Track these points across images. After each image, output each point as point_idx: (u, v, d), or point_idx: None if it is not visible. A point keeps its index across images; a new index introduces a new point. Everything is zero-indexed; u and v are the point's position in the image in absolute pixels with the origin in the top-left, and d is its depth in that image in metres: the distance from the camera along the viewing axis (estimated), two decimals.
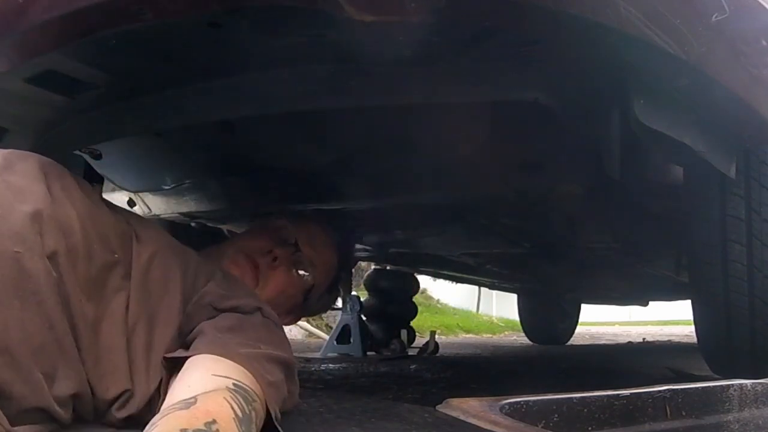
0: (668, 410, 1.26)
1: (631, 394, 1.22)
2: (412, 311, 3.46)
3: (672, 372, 2.15)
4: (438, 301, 8.35)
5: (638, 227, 2.02)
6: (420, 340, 3.44)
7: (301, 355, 2.82)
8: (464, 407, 1.00)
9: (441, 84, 1.05)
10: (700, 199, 1.54)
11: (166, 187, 1.65)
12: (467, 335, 6.51)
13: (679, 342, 5.02)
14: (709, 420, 1.34)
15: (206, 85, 1.13)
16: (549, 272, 3.05)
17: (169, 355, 0.83)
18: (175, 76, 1.12)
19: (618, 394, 1.21)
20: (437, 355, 3.14)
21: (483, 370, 2.57)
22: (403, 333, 3.23)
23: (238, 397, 0.72)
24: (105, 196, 1.76)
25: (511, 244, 2.28)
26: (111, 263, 0.85)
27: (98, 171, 1.66)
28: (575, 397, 1.15)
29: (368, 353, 2.96)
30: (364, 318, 3.11)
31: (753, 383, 1.49)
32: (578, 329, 5.13)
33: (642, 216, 1.85)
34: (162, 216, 1.79)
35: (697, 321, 1.67)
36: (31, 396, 0.72)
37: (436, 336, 3.31)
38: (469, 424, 0.94)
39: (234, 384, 0.74)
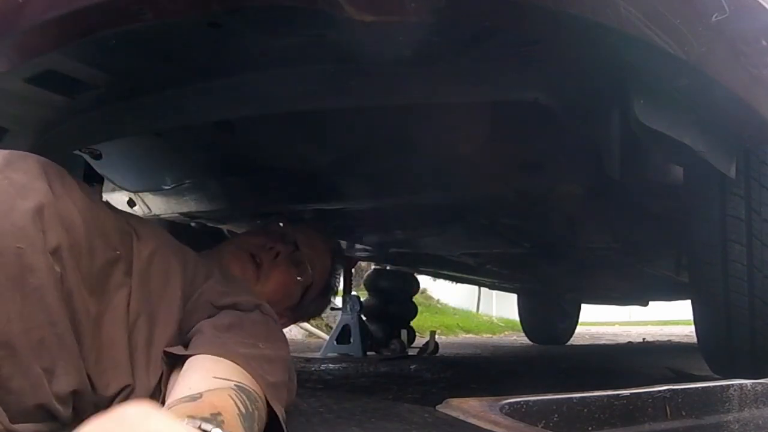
0: (668, 410, 1.26)
1: (631, 394, 1.22)
2: (412, 311, 3.46)
3: (672, 372, 2.15)
4: (438, 301, 8.35)
5: (638, 227, 2.02)
6: (420, 340, 3.44)
7: (301, 355, 2.82)
8: (464, 407, 1.00)
9: (441, 84, 1.05)
10: (700, 199, 1.54)
11: (166, 187, 1.65)
12: (467, 335, 6.51)
13: (679, 342, 5.02)
14: (709, 420, 1.34)
15: (206, 85, 1.13)
16: (549, 272, 3.05)
17: (168, 350, 0.83)
18: (175, 76, 1.12)
19: (618, 394, 1.21)
20: (437, 355, 3.14)
21: (483, 370, 2.57)
22: (403, 333, 3.23)
23: (242, 396, 0.73)
24: (105, 196, 1.76)
25: (511, 244, 2.28)
26: (113, 260, 0.85)
27: (98, 171, 1.66)
28: (575, 397, 1.15)
29: (368, 353, 2.96)
30: (364, 318, 3.11)
31: (753, 383, 1.49)
32: (578, 329, 5.13)
33: (642, 216, 1.85)
34: (162, 216, 1.79)
35: (697, 321, 1.67)
36: (30, 391, 0.72)
37: (436, 336, 3.31)
38: (469, 424, 0.94)
39: (236, 385, 0.74)
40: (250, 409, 0.72)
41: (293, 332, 4.39)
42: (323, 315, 4.81)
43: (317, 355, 2.94)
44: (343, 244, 2.35)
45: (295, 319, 1.35)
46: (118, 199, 1.75)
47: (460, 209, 1.88)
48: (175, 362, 0.82)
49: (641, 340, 5.47)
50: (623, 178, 1.18)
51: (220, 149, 1.49)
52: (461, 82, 1.05)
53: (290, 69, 1.06)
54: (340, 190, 1.60)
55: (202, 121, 1.23)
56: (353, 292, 3.29)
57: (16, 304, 0.72)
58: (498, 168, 1.47)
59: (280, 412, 0.79)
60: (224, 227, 2.07)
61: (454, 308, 8.46)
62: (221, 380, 0.75)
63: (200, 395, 0.69)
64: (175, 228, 1.91)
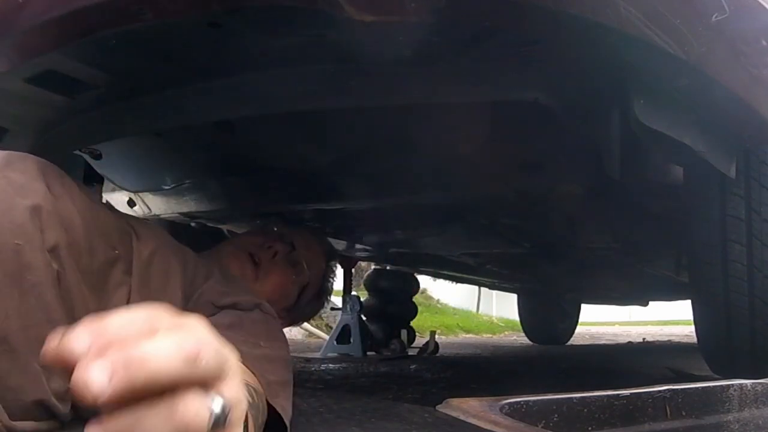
0: (668, 410, 1.26)
1: (631, 394, 1.22)
2: (412, 311, 3.46)
3: (672, 372, 2.15)
4: (438, 301, 8.35)
5: (638, 227, 2.02)
6: (420, 340, 3.44)
7: (301, 355, 2.82)
8: (464, 407, 1.00)
9: (441, 84, 1.05)
10: (700, 199, 1.54)
11: (166, 187, 1.65)
12: (467, 335, 6.51)
13: (679, 342, 5.02)
14: (709, 420, 1.34)
15: (206, 85, 1.13)
16: (549, 272, 3.05)
17: None
18: (175, 76, 1.12)
19: (618, 394, 1.21)
20: (437, 355, 3.14)
21: (483, 370, 2.57)
22: (403, 333, 3.23)
23: (249, 388, 0.73)
24: (105, 196, 1.76)
25: (511, 244, 2.28)
26: (112, 258, 0.86)
27: (98, 171, 1.66)
28: (575, 397, 1.15)
29: (368, 353, 2.96)
30: (364, 318, 3.11)
31: (753, 383, 1.49)
32: (578, 329, 5.13)
33: (642, 216, 1.85)
34: (162, 216, 1.79)
35: (697, 321, 1.67)
36: (28, 388, 0.72)
37: (436, 336, 3.31)
38: (469, 424, 0.94)
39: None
40: (255, 401, 0.73)
41: (293, 332, 4.39)
42: (323, 315, 4.82)
43: (317, 355, 2.94)
44: (343, 244, 2.35)
45: (291, 321, 1.36)
46: (118, 199, 1.75)
47: (460, 209, 1.88)
48: None
49: (641, 340, 5.47)
50: (623, 178, 1.18)
51: (220, 149, 1.49)
52: (461, 82, 1.05)
53: (290, 69, 1.06)
54: (340, 190, 1.60)
55: (202, 121, 1.24)
56: (353, 292, 3.29)
57: (14, 301, 0.73)
58: (498, 168, 1.47)
59: (282, 409, 0.79)
60: (224, 227, 2.07)
61: (454, 308, 8.46)
62: None
63: None
64: (175, 228, 1.91)
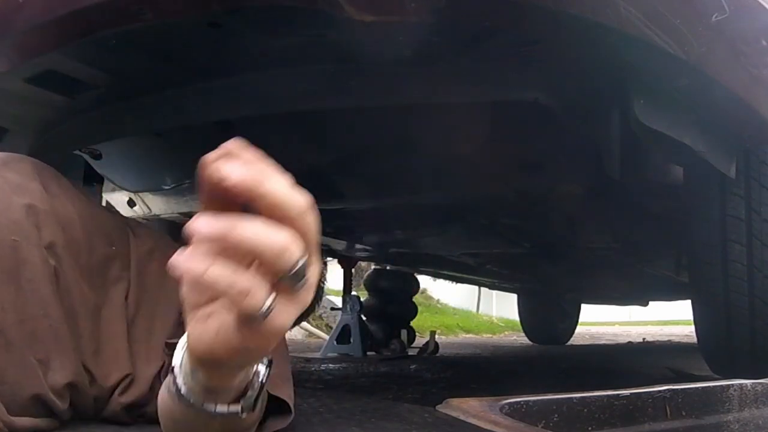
0: (668, 410, 1.26)
1: (631, 394, 1.22)
2: (412, 311, 3.46)
3: (672, 372, 2.15)
4: (438, 301, 8.35)
5: (638, 227, 2.02)
6: (420, 340, 3.44)
7: (301, 355, 2.82)
8: (464, 407, 1.00)
9: (441, 84, 1.05)
10: (700, 199, 1.54)
11: (166, 187, 1.65)
12: (467, 335, 6.51)
13: (679, 342, 5.02)
14: (709, 420, 1.34)
15: (206, 85, 1.13)
16: (549, 272, 3.05)
17: (171, 341, 0.84)
18: (175, 76, 1.13)
19: (618, 394, 1.21)
20: (437, 355, 3.14)
21: (483, 370, 2.57)
22: (403, 333, 3.24)
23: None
24: (105, 196, 1.76)
25: (511, 244, 2.28)
26: (111, 255, 0.87)
27: (98, 171, 1.66)
28: (575, 397, 1.15)
29: (368, 353, 2.96)
30: (364, 318, 3.11)
31: (753, 383, 1.49)
32: (578, 329, 5.13)
33: (642, 216, 1.85)
34: (162, 216, 1.79)
35: (697, 321, 1.67)
36: (25, 382, 0.72)
37: (436, 336, 3.31)
38: (469, 424, 0.94)
39: None
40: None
41: (293, 332, 4.39)
42: (323, 315, 4.83)
43: (317, 355, 2.94)
44: (343, 244, 2.35)
45: None
46: (118, 199, 1.75)
47: (460, 209, 1.88)
48: None
49: (641, 340, 5.48)
50: (623, 178, 1.18)
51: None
52: (461, 82, 1.05)
53: (290, 69, 1.06)
54: (340, 190, 1.60)
55: (202, 121, 1.23)
56: (353, 292, 3.29)
57: (11, 296, 0.74)
58: (498, 168, 1.47)
59: (288, 397, 0.79)
60: None
61: (454, 308, 8.46)
62: None
63: None
64: (174, 228, 1.91)
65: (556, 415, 1.09)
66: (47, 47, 0.99)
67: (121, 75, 1.12)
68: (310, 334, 4.63)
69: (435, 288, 7.74)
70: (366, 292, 3.44)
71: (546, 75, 1.05)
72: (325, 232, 1.97)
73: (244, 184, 0.41)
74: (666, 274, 2.55)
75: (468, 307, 8.92)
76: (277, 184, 0.43)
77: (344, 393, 1.49)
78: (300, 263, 0.42)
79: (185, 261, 0.42)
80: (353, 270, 3.36)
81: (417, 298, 3.62)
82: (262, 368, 0.59)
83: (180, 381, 0.57)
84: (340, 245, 2.45)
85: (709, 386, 1.42)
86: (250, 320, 0.43)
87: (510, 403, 1.04)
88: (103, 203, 1.79)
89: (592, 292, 4.20)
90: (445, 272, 3.47)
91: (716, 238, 1.50)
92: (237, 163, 0.42)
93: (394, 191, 1.59)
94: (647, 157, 1.38)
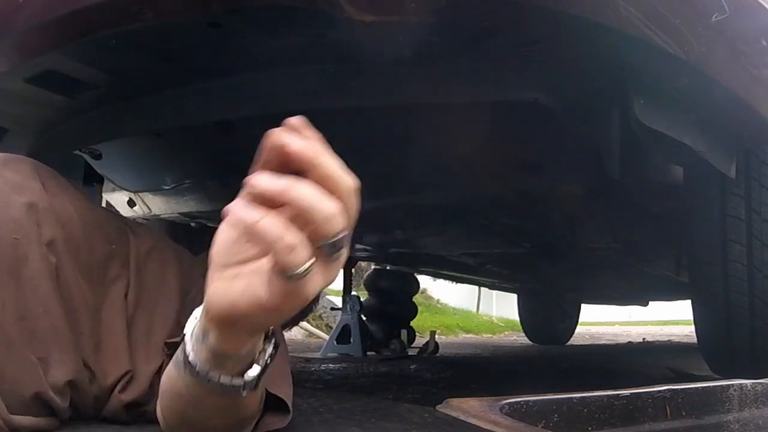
0: (668, 410, 1.26)
1: (631, 394, 1.22)
2: (412, 311, 3.46)
3: (672, 372, 2.15)
4: (438, 301, 8.35)
5: (638, 227, 2.02)
6: (420, 340, 3.44)
7: (301, 355, 2.82)
8: (464, 407, 1.00)
9: (441, 84, 1.05)
10: (700, 199, 1.54)
11: (166, 187, 1.65)
12: (467, 335, 6.51)
13: (679, 342, 5.02)
14: (709, 420, 1.34)
15: (206, 85, 1.13)
16: (549, 272, 3.05)
17: (170, 341, 0.84)
18: (175, 76, 1.13)
19: (618, 394, 1.21)
20: (437, 355, 3.14)
21: (483, 370, 2.57)
22: (403, 333, 3.24)
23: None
24: (105, 196, 1.76)
25: (511, 244, 2.28)
26: (110, 253, 0.87)
27: (98, 171, 1.66)
28: (575, 397, 1.15)
29: (368, 353, 2.96)
30: (364, 318, 3.11)
31: (753, 383, 1.49)
32: (578, 329, 5.13)
33: (642, 216, 1.85)
34: (162, 216, 1.79)
35: (697, 321, 1.67)
36: (25, 380, 0.72)
37: (436, 336, 3.31)
38: (469, 424, 0.94)
39: None
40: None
41: (293, 332, 4.39)
42: (323, 315, 4.83)
43: (317, 355, 2.94)
44: None
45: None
46: (118, 199, 1.75)
47: (460, 209, 1.88)
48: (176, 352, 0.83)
49: (641, 340, 5.48)
50: (623, 178, 1.18)
51: (220, 149, 1.49)
52: (461, 82, 1.05)
53: (290, 69, 1.06)
54: None
55: (202, 121, 1.23)
56: (353, 292, 3.29)
57: (11, 293, 0.74)
58: (498, 168, 1.47)
59: (286, 396, 0.79)
60: None
61: (454, 308, 8.46)
62: None
63: None
64: (174, 228, 1.91)
65: (556, 415, 1.09)
66: (47, 47, 0.99)
67: (121, 75, 1.12)
68: (310, 334, 4.63)
69: (435, 288, 7.74)
70: (366, 292, 3.44)
71: (546, 75, 1.05)
72: None
73: (305, 151, 0.46)
74: (666, 274, 2.55)
75: (468, 307, 8.92)
76: (332, 160, 0.48)
77: (344, 393, 1.49)
78: (341, 234, 0.46)
79: (242, 208, 0.46)
80: (353, 270, 3.36)
81: (417, 298, 3.62)
82: (269, 347, 0.60)
83: (189, 348, 0.58)
84: None
85: (709, 386, 1.42)
86: (287, 277, 0.46)
87: (510, 403, 1.04)
88: (103, 203, 1.79)
89: (592, 292, 4.20)
90: (445, 272, 3.47)
91: (716, 238, 1.50)
92: (299, 136, 0.47)
93: (394, 191, 1.58)
94: (647, 157, 1.38)
